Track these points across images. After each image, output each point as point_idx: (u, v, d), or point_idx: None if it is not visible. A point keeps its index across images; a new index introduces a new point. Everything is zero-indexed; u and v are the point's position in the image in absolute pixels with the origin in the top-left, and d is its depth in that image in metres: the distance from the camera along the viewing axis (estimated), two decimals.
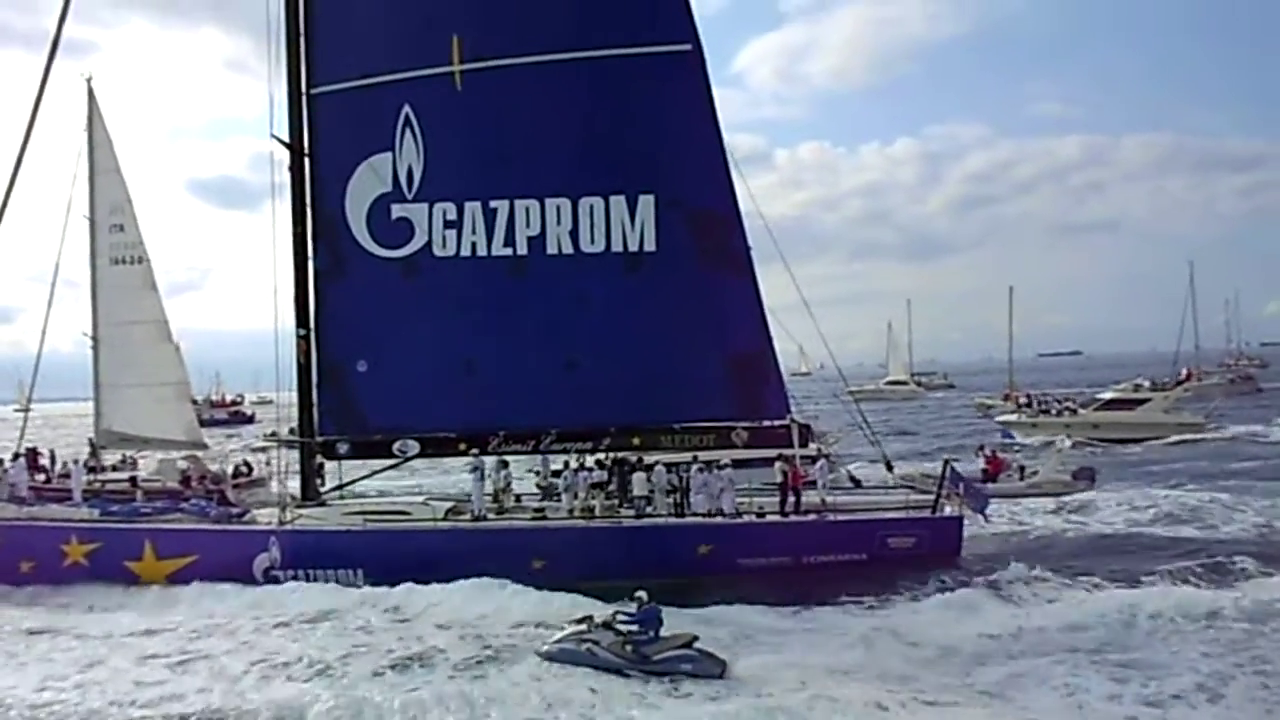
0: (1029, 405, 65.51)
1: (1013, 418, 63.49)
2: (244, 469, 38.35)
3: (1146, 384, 65.42)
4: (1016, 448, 41.72)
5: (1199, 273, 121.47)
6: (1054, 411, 62.23)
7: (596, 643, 17.02)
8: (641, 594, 17.16)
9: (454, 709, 16.08)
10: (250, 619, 22.15)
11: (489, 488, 27.05)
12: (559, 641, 17.42)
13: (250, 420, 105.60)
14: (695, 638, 17.11)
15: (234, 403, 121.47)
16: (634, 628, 16.93)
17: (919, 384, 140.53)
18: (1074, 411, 61.68)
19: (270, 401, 34.86)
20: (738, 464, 26.45)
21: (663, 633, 17.03)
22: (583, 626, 17.36)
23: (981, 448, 41.47)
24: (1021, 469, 37.14)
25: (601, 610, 18.11)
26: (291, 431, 28.25)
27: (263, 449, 39.40)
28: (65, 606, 23.91)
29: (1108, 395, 64.05)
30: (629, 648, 16.82)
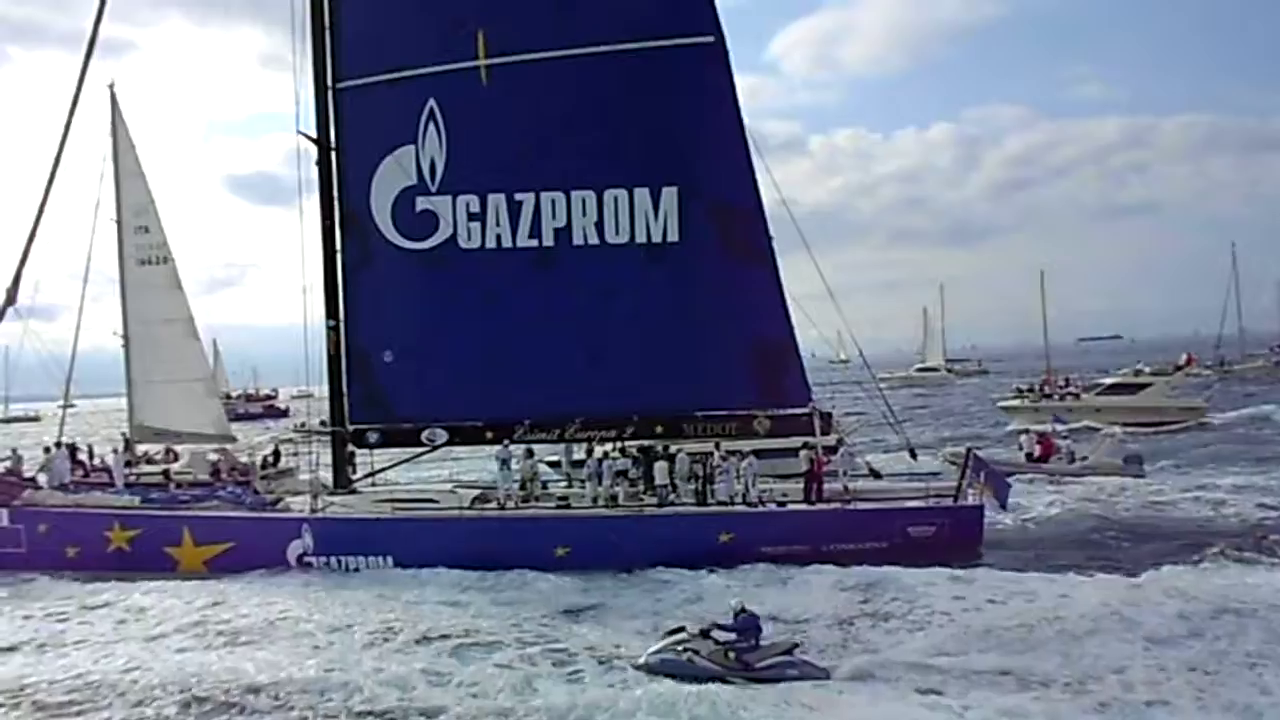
0: (1030, 390, 65.14)
1: (1015, 403, 63.37)
2: (271, 460, 38.61)
3: (1147, 369, 65.37)
4: (1064, 433, 41.52)
5: (1244, 255, 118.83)
6: (1056, 396, 62.17)
7: (697, 652, 16.63)
8: (736, 601, 16.96)
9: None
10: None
11: (517, 476, 27.19)
12: (658, 653, 16.92)
13: (284, 414, 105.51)
14: (797, 644, 17.04)
15: (268, 397, 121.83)
16: (733, 636, 16.62)
17: (950, 370, 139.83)
18: (1076, 396, 61.73)
19: (311, 395, 35.22)
20: (761, 454, 26.68)
21: (763, 640, 16.82)
22: (680, 636, 16.96)
23: (1026, 431, 41.84)
24: (1072, 453, 37.61)
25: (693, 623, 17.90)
26: (324, 423, 28.59)
27: (290, 440, 39.57)
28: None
29: (1109, 380, 64.15)
30: (731, 655, 16.50)
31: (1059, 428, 41.37)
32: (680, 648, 16.59)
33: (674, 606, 21.08)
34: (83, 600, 22.99)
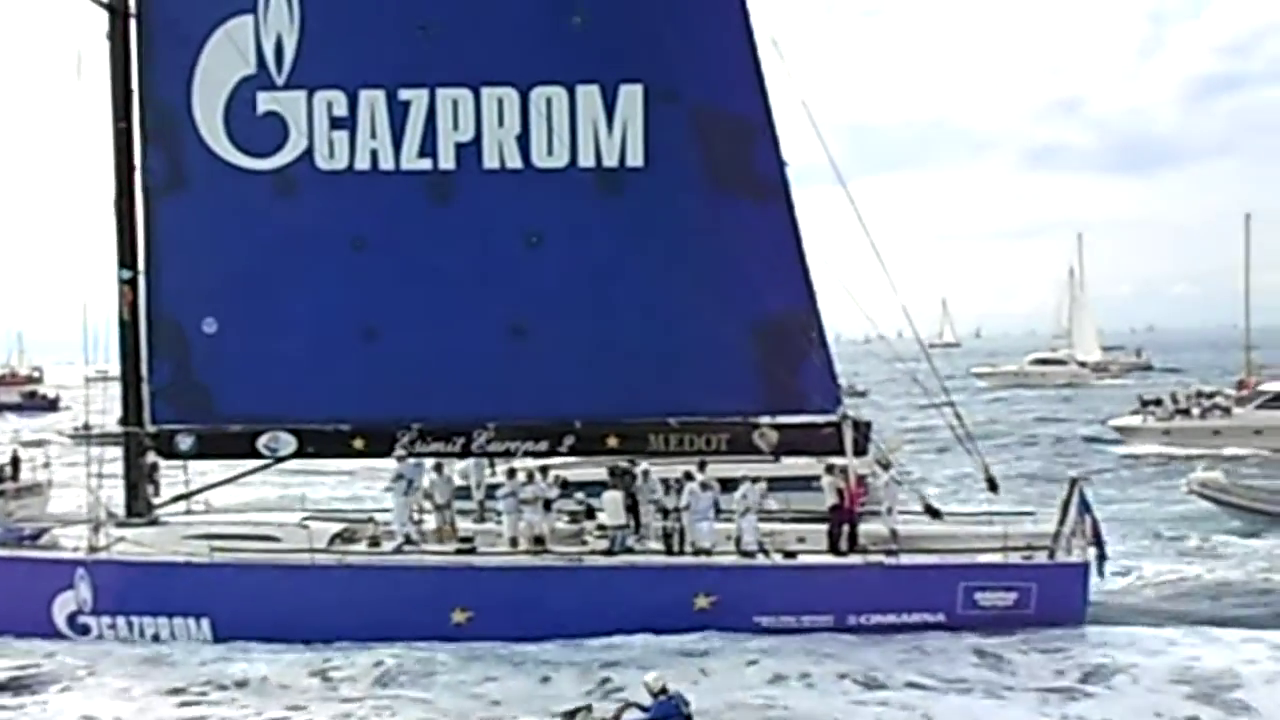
0: (1158, 404, 55.59)
1: (1135, 422, 54.41)
2: (8, 473, 34.59)
3: None
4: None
5: None
6: (1196, 413, 53.24)
7: None
8: (656, 675, 15.13)
9: None
10: None
11: (440, 498, 24.11)
12: None
13: (53, 405, 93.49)
14: None
15: (30, 379, 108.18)
16: None
17: (1083, 365, 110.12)
18: (1226, 411, 52.52)
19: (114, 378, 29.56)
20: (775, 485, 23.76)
21: None
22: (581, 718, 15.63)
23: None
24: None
25: (599, 704, 16.45)
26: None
27: (37, 444, 33.51)
28: None
29: (1272, 387, 54.52)
30: None
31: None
32: None
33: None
34: None
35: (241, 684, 20.01)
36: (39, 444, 37.89)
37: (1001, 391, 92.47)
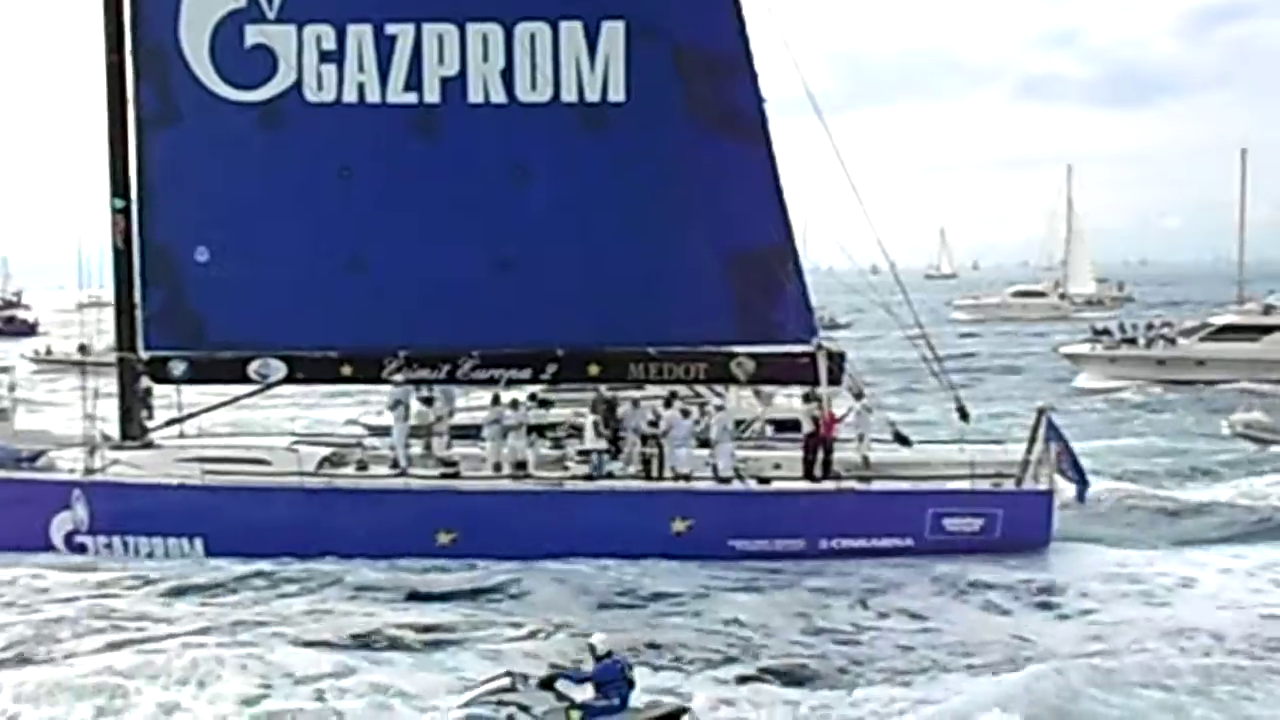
0: (1105, 332, 56.53)
1: (1084, 349, 54.96)
2: None
3: None
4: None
5: None
6: (1141, 342, 53.63)
7: (526, 709, 13.83)
8: (597, 639, 14.22)
9: None
10: None
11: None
12: (465, 705, 14.36)
13: (32, 330, 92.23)
14: (685, 709, 14.36)
15: (9, 304, 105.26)
16: (586, 691, 13.90)
17: (1063, 297, 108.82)
18: (1171, 341, 52.72)
19: (106, 304, 29.30)
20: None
21: (633, 700, 14.01)
22: (503, 683, 14.31)
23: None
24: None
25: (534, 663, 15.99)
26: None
27: (3, 367, 33.51)
28: None
29: (1220, 320, 54.59)
30: (577, 718, 13.69)
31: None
32: (502, 700, 14.11)
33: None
34: None
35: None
36: (4, 369, 37.46)
37: (976, 326, 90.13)
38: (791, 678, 16.52)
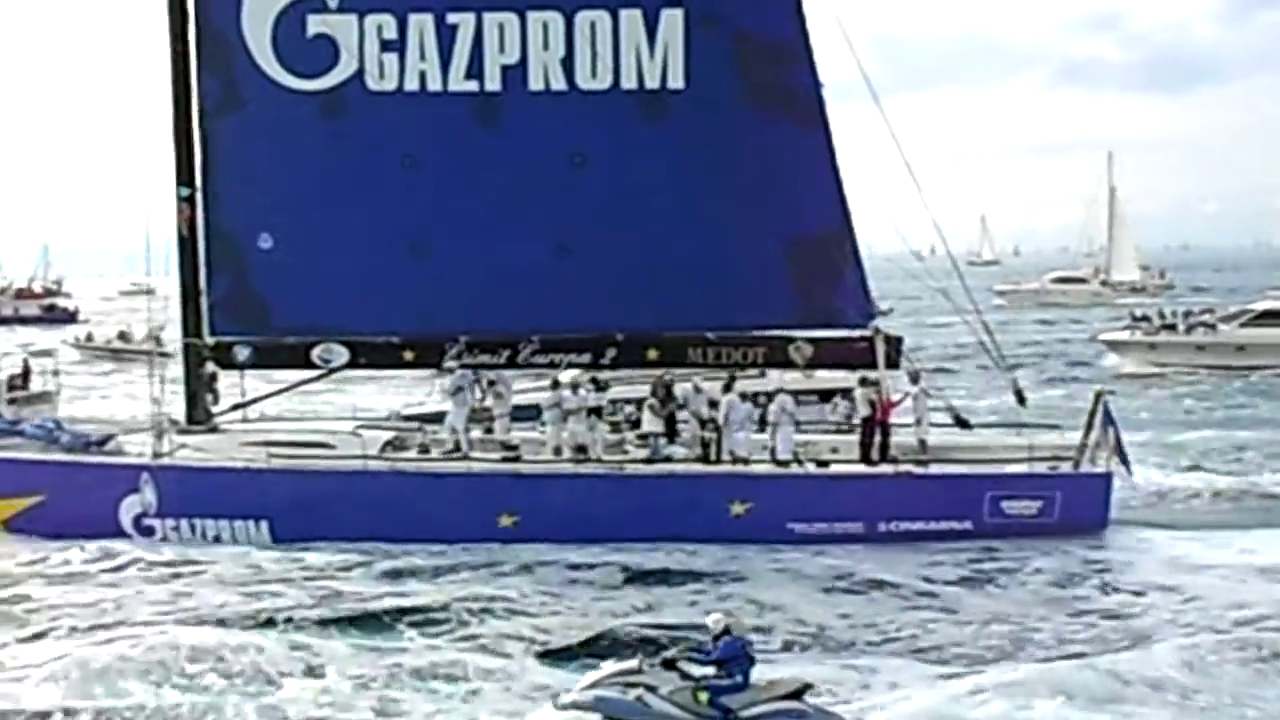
0: (1146, 320, 55.90)
1: (1123, 336, 54.38)
2: (19, 381, 34.80)
3: None
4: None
5: None
6: (1182, 329, 52.91)
7: (653, 689, 14.05)
8: (717, 617, 14.39)
9: None
10: None
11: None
12: (592, 687, 14.36)
13: (72, 318, 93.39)
14: (808, 685, 14.39)
15: (49, 292, 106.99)
16: (710, 670, 14.01)
17: (1104, 284, 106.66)
18: (1212, 328, 52.03)
19: (150, 291, 29.73)
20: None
21: (754, 677, 14.19)
22: (629, 665, 14.51)
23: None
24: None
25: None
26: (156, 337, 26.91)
27: (48, 353, 34.17)
28: None
29: (1261, 305, 53.61)
30: (704, 698, 13.92)
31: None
32: (629, 682, 14.22)
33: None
34: None
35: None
36: (48, 354, 38.07)
37: (1014, 313, 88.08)
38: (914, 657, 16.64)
